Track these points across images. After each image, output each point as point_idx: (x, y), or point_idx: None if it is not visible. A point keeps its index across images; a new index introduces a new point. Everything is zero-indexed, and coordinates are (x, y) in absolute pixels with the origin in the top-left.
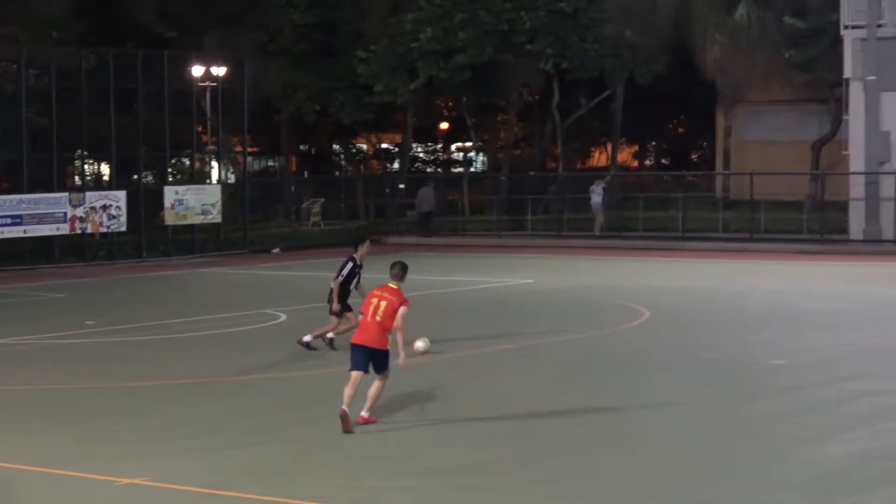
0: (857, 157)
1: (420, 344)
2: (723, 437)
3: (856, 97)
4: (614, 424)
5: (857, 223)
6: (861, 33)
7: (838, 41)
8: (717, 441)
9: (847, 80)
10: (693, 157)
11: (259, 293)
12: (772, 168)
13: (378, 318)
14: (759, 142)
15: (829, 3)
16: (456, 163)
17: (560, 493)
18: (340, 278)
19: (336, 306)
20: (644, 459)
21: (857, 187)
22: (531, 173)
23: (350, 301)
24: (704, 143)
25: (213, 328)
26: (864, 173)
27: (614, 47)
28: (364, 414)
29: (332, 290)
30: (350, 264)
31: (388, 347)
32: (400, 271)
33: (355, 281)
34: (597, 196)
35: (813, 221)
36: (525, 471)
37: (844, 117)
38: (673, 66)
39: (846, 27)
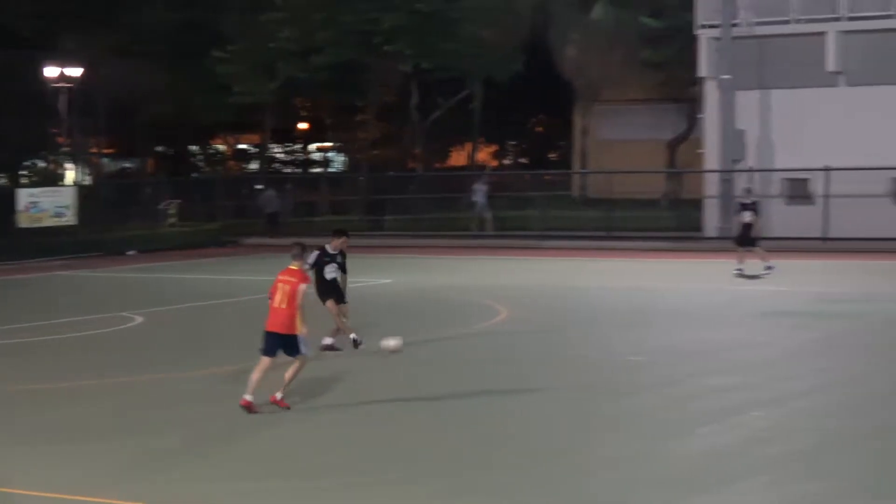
0: (711, 156)
1: (392, 342)
2: (580, 436)
3: (711, 96)
4: (474, 424)
5: (711, 221)
6: (715, 33)
7: (693, 41)
8: (574, 439)
9: (702, 80)
10: (551, 156)
11: (115, 296)
12: (629, 167)
13: (284, 305)
14: (616, 141)
15: (684, 3)
16: (315, 163)
17: (423, 494)
18: (307, 266)
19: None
20: (507, 459)
21: (711, 185)
22: (390, 173)
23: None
24: (563, 143)
25: (68, 332)
26: (719, 171)
27: (472, 47)
28: (277, 395)
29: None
30: (317, 252)
31: (297, 331)
32: (299, 251)
33: (334, 268)
34: (480, 196)
35: (669, 219)
36: (389, 472)
37: (699, 116)
38: (531, 66)
39: (701, 27)
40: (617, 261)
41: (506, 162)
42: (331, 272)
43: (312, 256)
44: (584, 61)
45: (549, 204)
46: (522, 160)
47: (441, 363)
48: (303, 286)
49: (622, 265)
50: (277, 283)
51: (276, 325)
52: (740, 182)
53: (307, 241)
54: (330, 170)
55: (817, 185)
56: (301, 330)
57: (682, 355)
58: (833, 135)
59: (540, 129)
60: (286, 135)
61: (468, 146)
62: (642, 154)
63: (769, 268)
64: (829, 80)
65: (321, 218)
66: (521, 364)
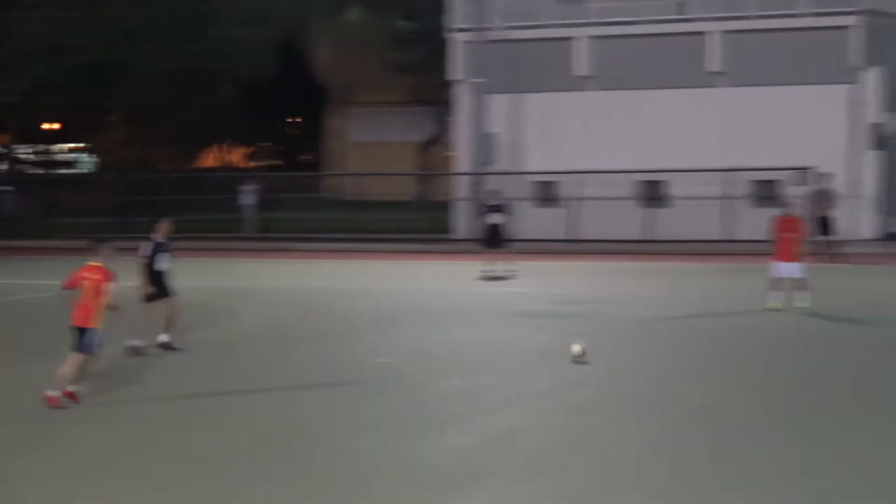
0: (462, 159)
1: (577, 348)
2: (328, 438)
3: (462, 99)
4: (218, 429)
5: (462, 222)
6: (468, 36)
7: (445, 44)
8: (323, 440)
9: (454, 83)
10: (306, 157)
11: None
12: (382, 169)
13: (84, 299)
14: (370, 143)
15: (436, 6)
16: (63, 164)
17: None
18: (144, 259)
19: (149, 290)
20: (255, 462)
21: (462, 188)
22: (136, 175)
23: None
24: (317, 145)
25: None
26: (470, 174)
27: (224, 48)
28: (50, 392)
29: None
30: (152, 244)
31: (93, 325)
32: (95, 244)
33: (167, 257)
34: (248, 197)
35: (420, 221)
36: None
37: (450, 119)
38: (286, 68)
39: (454, 30)
40: (368, 262)
41: (257, 164)
42: (164, 262)
43: (147, 248)
44: (338, 64)
45: (304, 206)
46: (276, 162)
47: (185, 366)
48: (107, 284)
49: (372, 267)
50: (79, 278)
51: (76, 319)
52: (491, 185)
53: (54, 243)
54: (78, 171)
55: (565, 188)
56: (95, 325)
57: (431, 356)
58: (582, 138)
59: (295, 130)
60: (33, 135)
61: (218, 148)
62: (395, 156)
63: (512, 270)
64: (579, 85)
65: (67, 220)
66: (268, 367)
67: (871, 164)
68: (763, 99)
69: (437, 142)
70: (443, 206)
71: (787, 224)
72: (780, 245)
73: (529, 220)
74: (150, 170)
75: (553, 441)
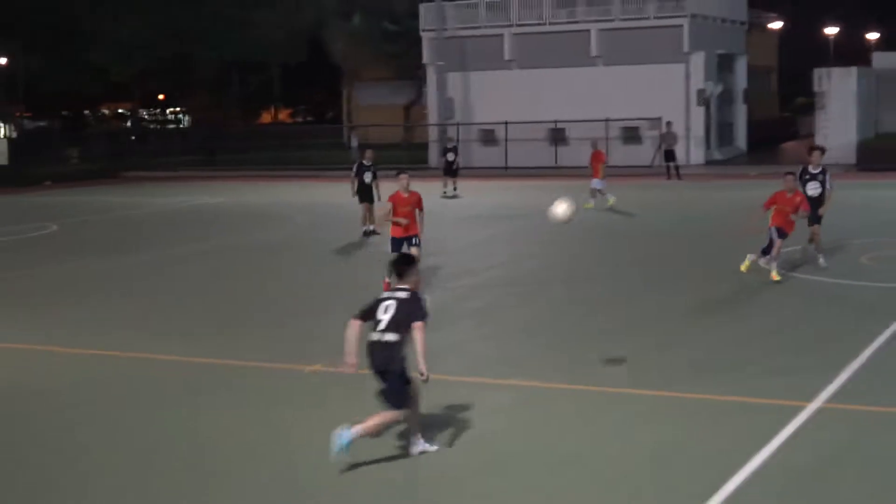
0: (432, 115)
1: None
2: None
3: (431, 76)
4: None
5: (433, 157)
6: (433, 34)
7: (419, 39)
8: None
9: (425, 65)
10: (329, 115)
11: (36, 212)
12: (379, 122)
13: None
14: (370, 105)
15: (413, 13)
16: (169, 121)
17: None
18: (353, 174)
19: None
20: None
21: (433, 133)
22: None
23: None
24: (337, 107)
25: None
26: (437, 124)
27: (265, 42)
28: None
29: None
30: (356, 165)
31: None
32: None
33: (370, 175)
34: (353, 141)
35: (405, 157)
36: None
37: (424, 89)
38: (312, 55)
39: (423, 30)
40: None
41: (299, 119)
42: (370, 177)
43: (354, 167)
44: (348, 52)
45: (330, 147)
46: (309, 118)
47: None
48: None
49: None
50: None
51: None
52: (451, 132)
53: (163, 173)
54: (177, 126)
55: (499, 133)
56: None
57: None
58: (510, 100)
59: (321, 97)
60: (148, 102)
61: (272, 109)
62: (388, 114)
63: (453, 190)
64: (507, 66)
65: (169, 158)
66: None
67: (698, 116)
68: (627, 74)
69: (415, 104)
70: (421, 147)
71: (596, 156)
72: (594, 168)
73: (476, 155)
74: (224, 125)
75: (494, 302)
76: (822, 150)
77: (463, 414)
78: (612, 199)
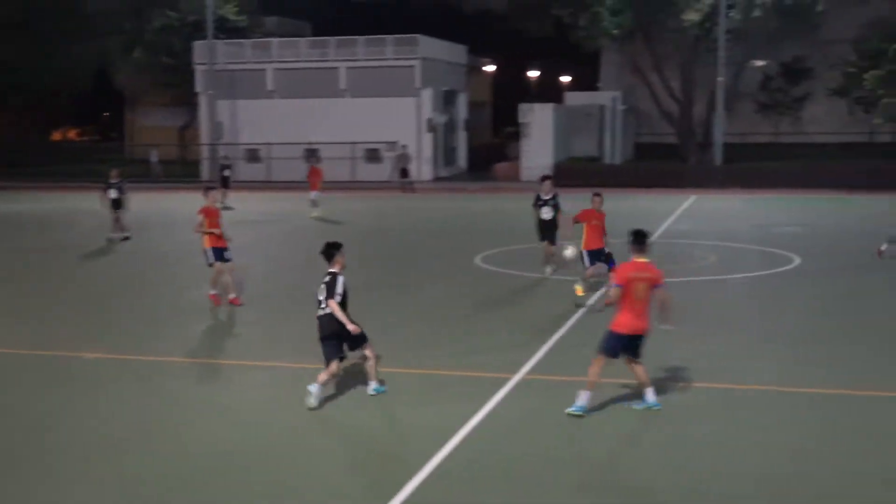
0: (204, 136)
1: (569, 252)
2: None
3: (204, 103)
4: None
5: (205, 172)
6: (205, 68)
7: (193, 71)
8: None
9: (198, 93)
10: (113, 134)
11: None
12: (158, 141)
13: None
14: (152, 126)
15: (188, 49)
16: None
17: None
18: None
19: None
20: None
21: (205, 152)
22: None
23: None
24: (121, 126)
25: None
26: (209, 144)
27: (63, 71)
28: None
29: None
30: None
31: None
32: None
33: (115, 192)
34: (153, 157)
35: (181, 170)
36: None
37: (198, 114)
38: (98, 81)
39: (197, 64)
40: (158, 195)
41: (86, 138)
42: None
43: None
44: (132, 80)
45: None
46: (96, 137)
47: None
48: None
49: (161, 196)
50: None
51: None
52: (221, 150)
53: None
54: None
55: (263, 152)
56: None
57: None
58: (273, 124)
59: (108, 117)
60: None
61: (62, 129)
62: (166, 134)
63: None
64: (269, 95)
65: None
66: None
67: (427, 140)
68: (369, 104)
69: (190, 126)
70: (195, 163)
71: (314, 171)
72: (311, 182)
73: (243, 171)
74: (21, 142)
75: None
76: (552, 179)
77: None
78: (315, 213)
